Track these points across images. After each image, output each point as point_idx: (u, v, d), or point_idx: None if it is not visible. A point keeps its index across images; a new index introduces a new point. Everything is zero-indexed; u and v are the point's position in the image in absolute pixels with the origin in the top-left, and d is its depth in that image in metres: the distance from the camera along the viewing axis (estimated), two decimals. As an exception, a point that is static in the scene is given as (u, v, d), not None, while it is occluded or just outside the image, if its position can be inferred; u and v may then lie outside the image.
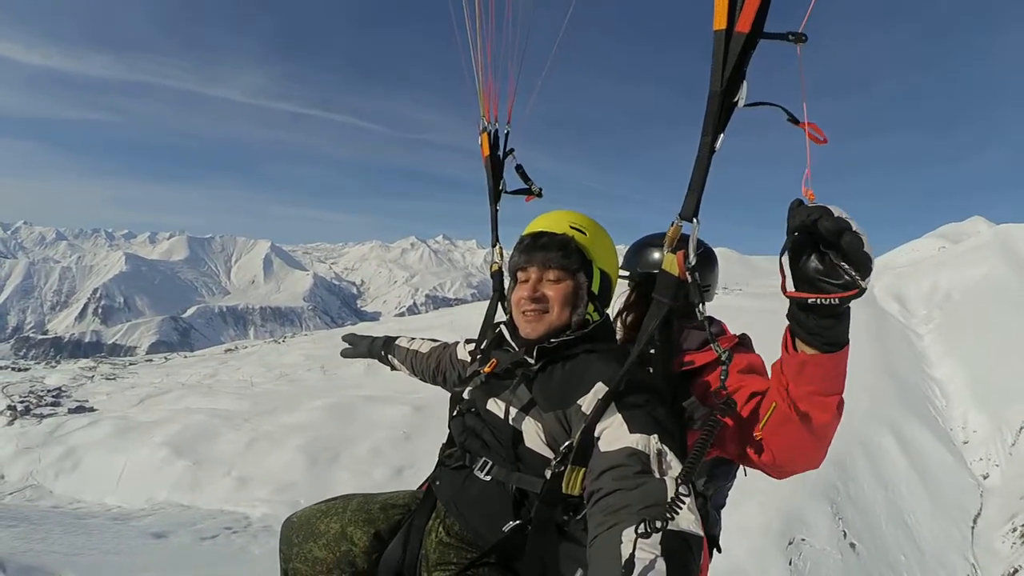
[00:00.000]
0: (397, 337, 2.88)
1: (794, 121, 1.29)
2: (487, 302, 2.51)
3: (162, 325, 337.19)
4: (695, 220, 1.41)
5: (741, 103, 1.28)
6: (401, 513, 2.06)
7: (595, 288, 1.91)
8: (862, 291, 1.24)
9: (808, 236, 1.25)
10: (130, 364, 41.16)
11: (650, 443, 1.40)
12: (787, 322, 1.42)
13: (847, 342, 1.37)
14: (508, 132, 2.49)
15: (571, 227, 1.92)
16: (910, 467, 18.25)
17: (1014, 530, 17.41)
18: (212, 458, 16.00)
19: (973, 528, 18.01)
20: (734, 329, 2.37)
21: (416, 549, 1.89)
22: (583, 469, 1.48)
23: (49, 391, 29.43)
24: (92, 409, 25.10)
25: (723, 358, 1.46)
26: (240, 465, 15.49)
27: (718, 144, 1.32)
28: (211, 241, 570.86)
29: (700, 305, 1.51)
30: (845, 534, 14.20)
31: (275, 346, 45.37)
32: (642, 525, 1.18)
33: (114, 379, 32.70)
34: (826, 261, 1.25)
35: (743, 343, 2.22)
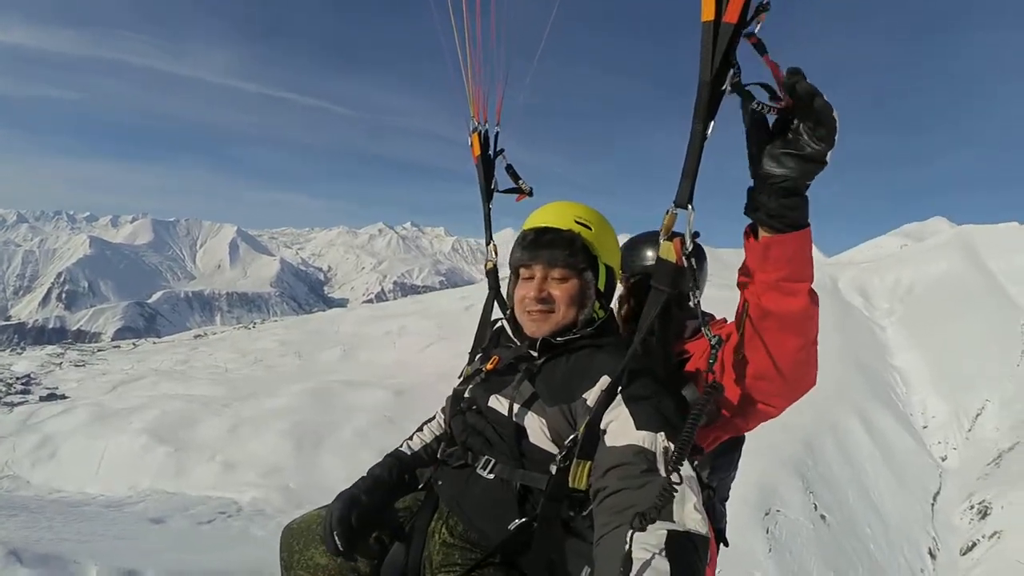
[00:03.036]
0: (398, 453, 2.24)
1: (774, 92, 1.30)
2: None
3: (127, 311, 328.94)
4: (690, 207, 1.39)
5: (727, 89, 1.28)
6: (403, 515, 2.01)
7: (601, 285, 1.89)
8: (825, 164, 1.29)
9: (762, 118, 1.30)
10: (98, 351, 40.29)
11: (656, 441, 1.40)
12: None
13: (808, 223, 1.39)
14: (498, 132, 2.48)
15: (576, 222, 1.85)
16: (874, 448, 19.17)
17: (971, 507, 18.54)
18: (194, 444, 15.86)
19: (933, 505, 19.13)
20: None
21: (419, 551, 1.85)
22: (589, 463, 1.48)
23: (18, 378, 28.70)
24: (64, 396, 24.60)
25: (713, 343, 1.44)
26: (224, 450, 15.41)
27: (709, 130, 1.32)
28: (176, 225, 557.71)
29: (695, 293, 1.52)
30: (816, 507, 14.97)
31: (246, 332, 44.81)
32: (647, 526, 1.19)
33: (83, 366, 32.03)
34: (788, 135, 1.29)
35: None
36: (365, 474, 2.10)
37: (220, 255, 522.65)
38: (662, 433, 1.41)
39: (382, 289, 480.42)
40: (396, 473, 2.11)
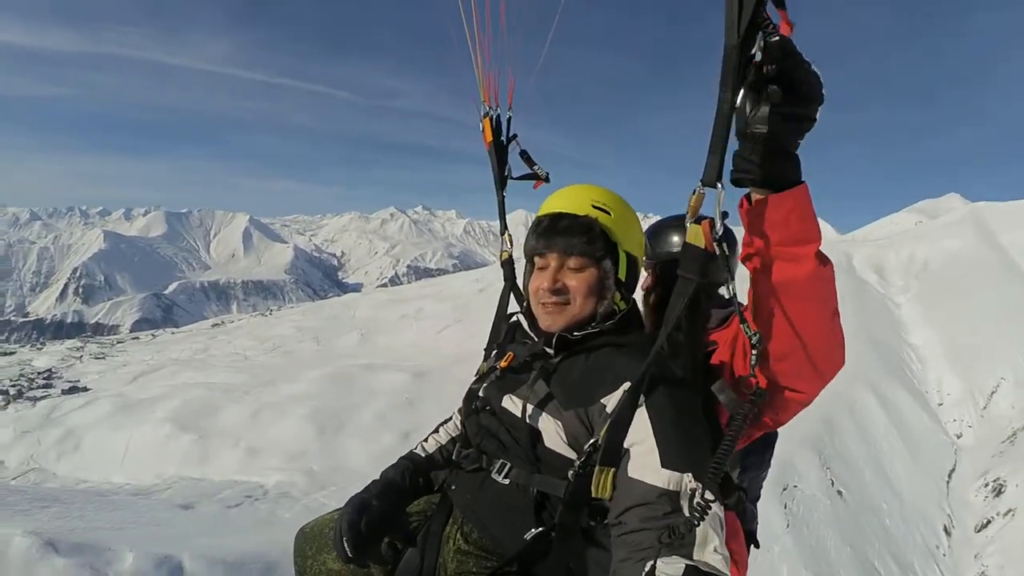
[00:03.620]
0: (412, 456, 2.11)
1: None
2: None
3: (144, 302, 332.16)
4: (719, 185, 1.27)
5: (758, 56, 1.16)
6: (417, 520, 1.90)
7: (622, 275, 1.73)
8: (814, 121, 1.20)
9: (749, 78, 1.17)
10: (117, 343, 40.98)
11: (683, 482, 1.30)
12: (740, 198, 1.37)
13: (801, 179, 1.28)
14: (510, 117, 2.34)
15: (594, 207, 1.71)
16: (890, 425, 19.16)
17: (986, 485, 18.57)
18: (218, 431, 16.17)
19: (948, 482, 19.16)
20: None
21: (433, 558, 1.75)
22: (612, 470, 1.38)
23: (39, 373, 29.22)
24: (85, 389, 25.04)
25: (754, 341, 1.35)
26: (247, 436, 15.70)
27: (739, 100, 1.20)
28: (188, 216, 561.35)
29: (729, 281, 1.39)
30: (832, 482, 15.10)
31: (263, 319, 45.29)
32: (666, 564, 1.18)
33: (103, 358, 32.53)
34: (772, 90, 1.16)
35: None
36: (378, 477, 1.99)
37: (234, 244, 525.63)
38: (689, 474, 1.31)
39: (396, 273, 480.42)
40: (409, 476, 1.99)
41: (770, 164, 1.24)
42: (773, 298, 1.41)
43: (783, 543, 12.02)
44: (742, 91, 1.17)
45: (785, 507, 13.14)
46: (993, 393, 22.70)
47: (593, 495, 1.38)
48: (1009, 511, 16.98)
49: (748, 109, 1.19)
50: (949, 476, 19.39)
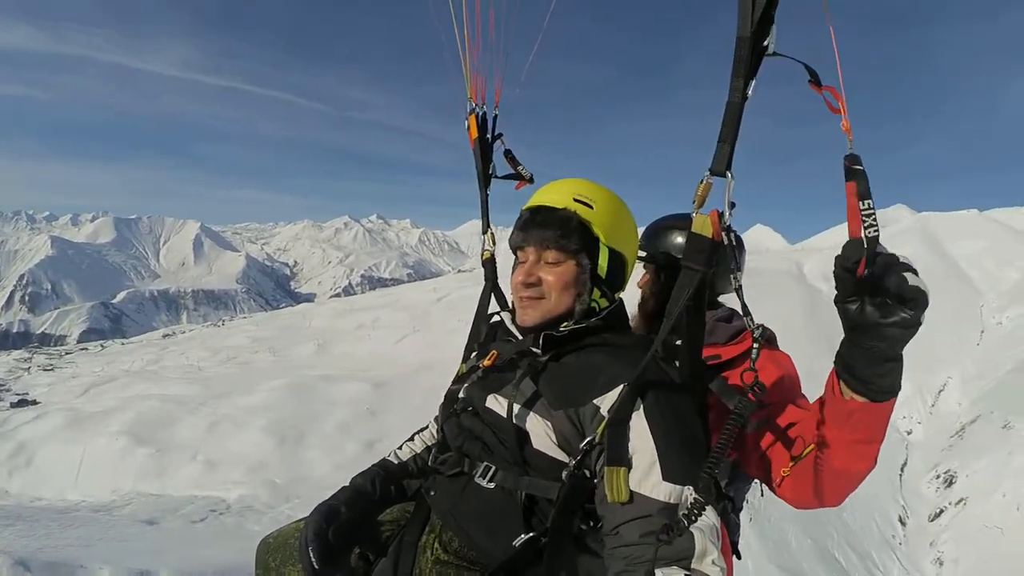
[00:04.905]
0: (385, 464, 2.03)
1: (816, 84, 1.20)
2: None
3: (92, 312, 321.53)
4: (729, 175, 1.27)
5: (771, 48, 1.18)
6: (390, 529, 1.83)
7: (601, 271, 1.66)
8: (919, 325, 1.14)
9: (853, 277, 1.14)
10: (66, 354, 39.85)
11: (684, 495, 1.28)
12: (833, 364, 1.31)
13: (900, 388, 1.26)
14: (496, 115, 2.29)
15: (575, 199, 1.66)
16: (845, 423, 20.10)
17: (937, 477, 19.52)
18: (174, 444, 15.76)
19: (901, 476, 20.07)
20: None
21: (408, 570, 1.65)
22: (624, 469, 1.32)
23: (-14, 385, 28.28)
24: (35, 402, 24.30)
25: (754, 357, 1.37)
26: (205, 449, 15.35)
27: (750, 90, 1.21)
28: (138, 222, 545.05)
29: (736, 273, 1.40)
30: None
31: (216, 329, 44.45)
32: (663, 575, 1.18)
33: (52, 370, 31.63)
34: (878, 302, 1.15)
35: (770, 340, 2.07)
36: (346, 484, 1.89)
37: (184, 252, 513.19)
38: (689, 487, 1.28)
39: (350, 283, 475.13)
40: (380, 484, 1.89)
41: (873, 373, 1.22)
42: (827, 478, 1.43)
43: (747, 537, 12.34)
44: (868, 304, 1.15)
45: (747, 502, 13.56)
46: (941, 391, 23.93)
47: (609, 500, 1.31)
48: (961, 500, 17.91)
49: (872, 318, 1.15)
50: (902, 470, 20.32)
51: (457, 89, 2.29)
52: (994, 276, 31.77)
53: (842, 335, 1.21)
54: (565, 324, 1.63)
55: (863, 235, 1.09)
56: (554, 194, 1.70)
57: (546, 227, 1.64)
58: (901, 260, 1.11)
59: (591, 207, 1.65)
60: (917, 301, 1.10)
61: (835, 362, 1.28)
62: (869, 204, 1.10)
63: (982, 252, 33.74)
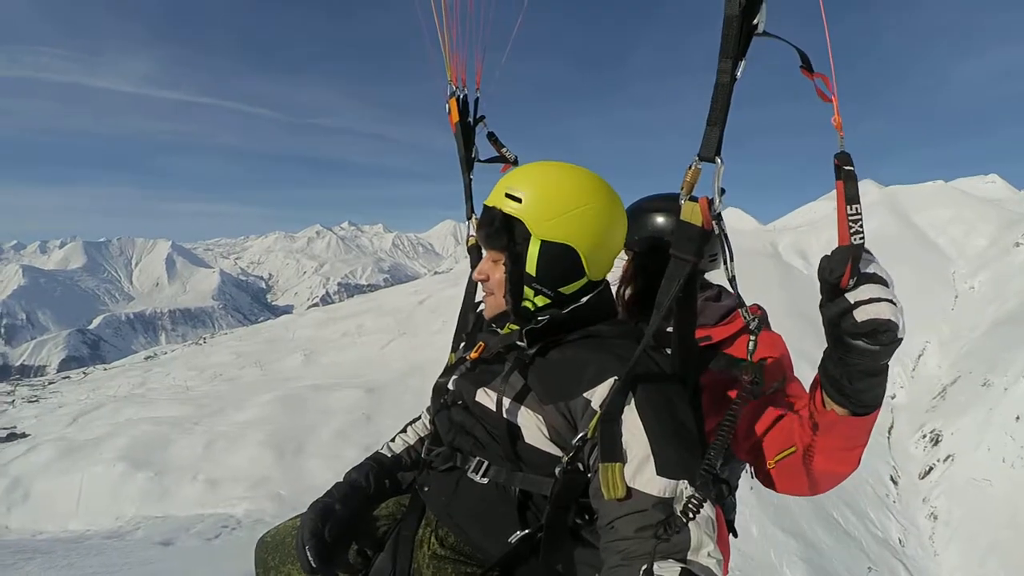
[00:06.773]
0: (378, 457, 2.00)
1: (808, 70, 1.15)
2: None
3: (70, 339, 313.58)
4: (718, 160, 1.23)
5: (761, 27, 1.14)
6: (386, 523, 1.80)
7: (531, 268, 1.57)
8: (899, 342, 1.11)
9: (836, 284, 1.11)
10: (49, 383, 39.10)
11: (679, 489, 1.25)
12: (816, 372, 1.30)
13: (882, 401, 1.24)
14: (478, 98, 2.24)
15: (506, 195, 1.58)
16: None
17: (924, 437, 20.38)
18: (173, 465, 15.69)
19: (889, 438, 20.94)
20: None
21: (407, 564, 1.63)
22: (619, 464, 1.29)
23: (-30, 422, 27.74)
24: (24, 435, 23.85)
25: (751, 348, 1.35)
26: (205, 468, 15.31)
27: (739, 71, 1.17)
28: (108, 245, 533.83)
29: (727, 260, 1.38)
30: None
31: (198, 348, 43.88)
32: (661, 568, 1.16)
33: (37, 401, 31.04)
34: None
35: (763, 320, 2.00)
36: (340, 480, 1.87)
37: (157, 272, 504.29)
38: (684, 481, 1.26)
39: (327, 292, 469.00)
40: (375, 478, 1.86)
41: (855, 388, 1.20)
42: (805, 469, 1.41)
43: (749, 503, 12.70)
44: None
45: (747, 471, 14.09)
46: (920, 356, 24.66)
47: (605, 496, 1.29)
48: (948, 456, 18.85)
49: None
50: (889, 432, 21.20)
51: (431, 81, 2.27)
52: (961, 243, 32.66)
53: (818, 310, 1.18)
54: (541, 317, 1.60)
55: (850, 242, 1.07)
56: (495, 190, 1.65)
57: (481, 227, 1.64)
58: (872, 297, 1.08)
59: (520, 201, 1.56)
60: (888, 335, 1.09)
61: (819, 372, 1.27)
62: (857, 209, 1.07)
63: (949, 221, 34.59)
